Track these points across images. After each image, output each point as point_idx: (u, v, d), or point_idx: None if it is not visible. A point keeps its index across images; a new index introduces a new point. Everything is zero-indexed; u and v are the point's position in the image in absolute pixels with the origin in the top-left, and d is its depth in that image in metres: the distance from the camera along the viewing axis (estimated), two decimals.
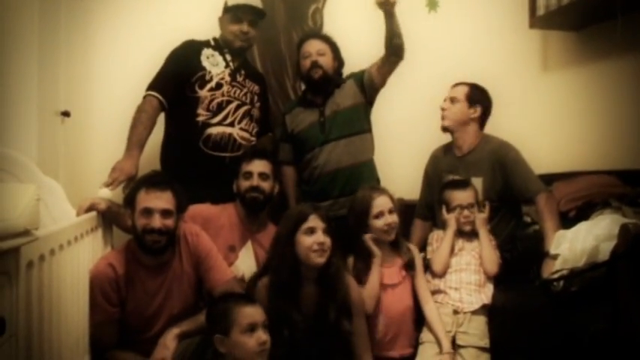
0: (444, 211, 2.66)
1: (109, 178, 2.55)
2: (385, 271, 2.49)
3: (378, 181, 2.92)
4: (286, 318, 2.18)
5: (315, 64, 2.89)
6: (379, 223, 2.48)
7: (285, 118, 3.03)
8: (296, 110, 3.01)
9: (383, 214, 2.48)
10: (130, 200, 2.29)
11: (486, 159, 2.75)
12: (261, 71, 3.25)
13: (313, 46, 2.93)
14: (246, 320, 1.94)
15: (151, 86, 2.81)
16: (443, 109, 2.83)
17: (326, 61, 2.91)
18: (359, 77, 2.95)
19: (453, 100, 2.82)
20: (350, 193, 2.77)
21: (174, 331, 2.22)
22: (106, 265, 2.25)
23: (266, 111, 3.09)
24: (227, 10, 2.91)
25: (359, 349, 2.30)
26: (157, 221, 2.21)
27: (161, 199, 2.24)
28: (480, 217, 2.61)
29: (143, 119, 2.72)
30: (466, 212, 2.61)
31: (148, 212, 2.23)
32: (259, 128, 3.00)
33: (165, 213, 2.24)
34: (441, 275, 2.56)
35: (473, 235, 2.62)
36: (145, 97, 2.78)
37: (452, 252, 2.59)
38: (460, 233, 2.62)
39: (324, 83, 2.92)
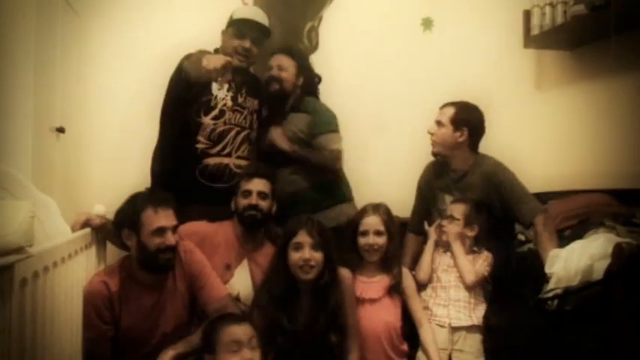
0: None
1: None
2: (365, 285, 2.49)
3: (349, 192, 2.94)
4: (278, 327, 2.20)
5: (272, 78, 2.88)
6: (362, 241, 2.50)
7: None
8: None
9: (368, 233, 2.49)
10: (132, 221, 2.25)
11: (480, 182, 2.71)
12: None
13: (276, 60, 2.91)
14: (229, 338, 1.92)
15: None
16: (431, 134, 2.78)
17: (286, 76, 2.88)
18: (312, 111, 2.88)
19: (438, 124, 2.76)
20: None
21: (169, 353, 2.17)
22: (100, 283, 2.23)
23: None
24: (231, 23, 2.85)
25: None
26: (171, 239, 2.22)
27: (170, 217, 2.25)
28: (452, 230, 2.60)
29: None
30: (444, 222, 2.62)
31: (161, 231, 2.22)
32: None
33: (175, 229, 2.26)
34: (425, 283, 2.57)
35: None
36: None
37: (433, 261, 2.60)
38: (450, 250, 2.61)
39: (278, 98, 2.89)
